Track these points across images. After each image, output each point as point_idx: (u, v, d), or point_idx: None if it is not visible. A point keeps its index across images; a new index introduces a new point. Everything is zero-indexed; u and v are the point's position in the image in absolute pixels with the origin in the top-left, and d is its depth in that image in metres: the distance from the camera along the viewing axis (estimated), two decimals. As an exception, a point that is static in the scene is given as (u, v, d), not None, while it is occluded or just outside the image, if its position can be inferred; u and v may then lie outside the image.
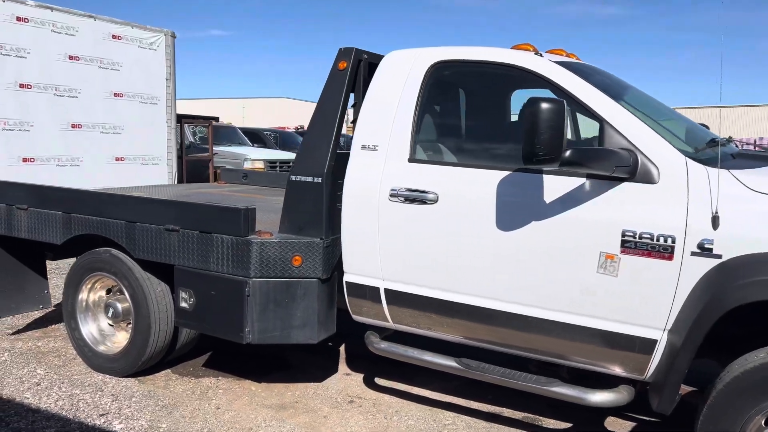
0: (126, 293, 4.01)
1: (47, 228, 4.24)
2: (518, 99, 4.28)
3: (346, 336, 4.45)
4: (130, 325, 4.10)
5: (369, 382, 4.24)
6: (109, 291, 4.31)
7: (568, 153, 2.67)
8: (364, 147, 3.51)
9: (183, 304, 3.77)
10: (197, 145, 12.83)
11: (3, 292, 4.68)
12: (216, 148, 11.98)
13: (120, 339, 4.22)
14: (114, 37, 8.92)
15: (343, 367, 4.52)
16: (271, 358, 4.59)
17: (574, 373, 3.26)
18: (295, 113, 50.34)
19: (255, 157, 12.63)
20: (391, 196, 3.35)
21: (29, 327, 5.08)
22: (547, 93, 3.53)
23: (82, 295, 4.26)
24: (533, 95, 3.98)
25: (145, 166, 9.54)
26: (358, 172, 3.49)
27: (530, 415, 3.80)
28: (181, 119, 10.70)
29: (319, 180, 3.57)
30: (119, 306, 4.12)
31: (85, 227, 4.09)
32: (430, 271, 3.28)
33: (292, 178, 3.66)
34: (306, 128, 3.80)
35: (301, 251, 3.55)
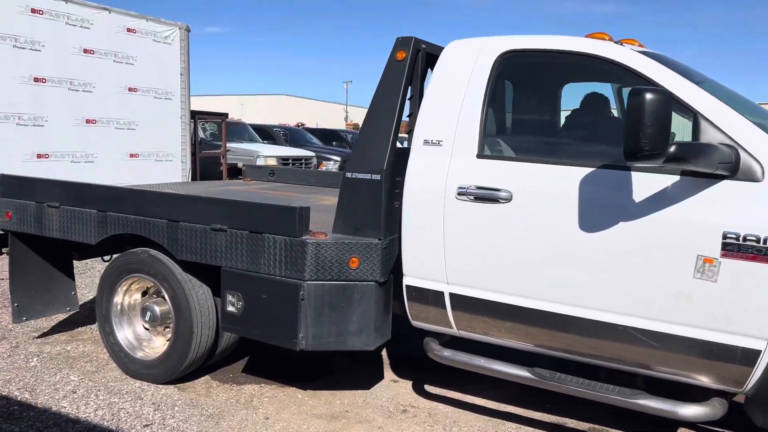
0: (166, 296, 3.79)
1: (81, 227, 4.02)
2: (568, 92, 4.08)
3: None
4: (169, 330, 3.89)
5: (419, 390, 4.03)
6: (144, 293, 4.09)
7: (672, 148, 2.46)
8: (426, 142, 3.31)
9: (230, 308, 3.55)
10: (208, 142, 12.60)
11: (30, 294, 4.47)
12: (227, 145, 11.75)
13: (158, 344, 4.01)
14: (129, 30, 8.68)
15: (388, 373, 4.31)
16: (313, 363, 4.38)
17: (649, 382, 3.08)
18: (293, 110, 50.10)
19: (268, 154, 12.39)
20: (459, 194, 3.15)
21: (55, 330, 4.85)
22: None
23: (117, 298, 4.04)
24: (589, 87, 3.83)
25: (159, 163, 9.31)
26: (421, 168, 3.29)
27: (596, 426, 3.60)
28: (194, 115, 10.47)
29: (378, 177, 3.36)
30: (157, 309, 3.91)
31: (122, 227, 3.87)
32: (502, 275, 3.07)
33: (348, 175, 3.45)
34: (361, 123, 3.58)
35: (359, 252, 3.34)
